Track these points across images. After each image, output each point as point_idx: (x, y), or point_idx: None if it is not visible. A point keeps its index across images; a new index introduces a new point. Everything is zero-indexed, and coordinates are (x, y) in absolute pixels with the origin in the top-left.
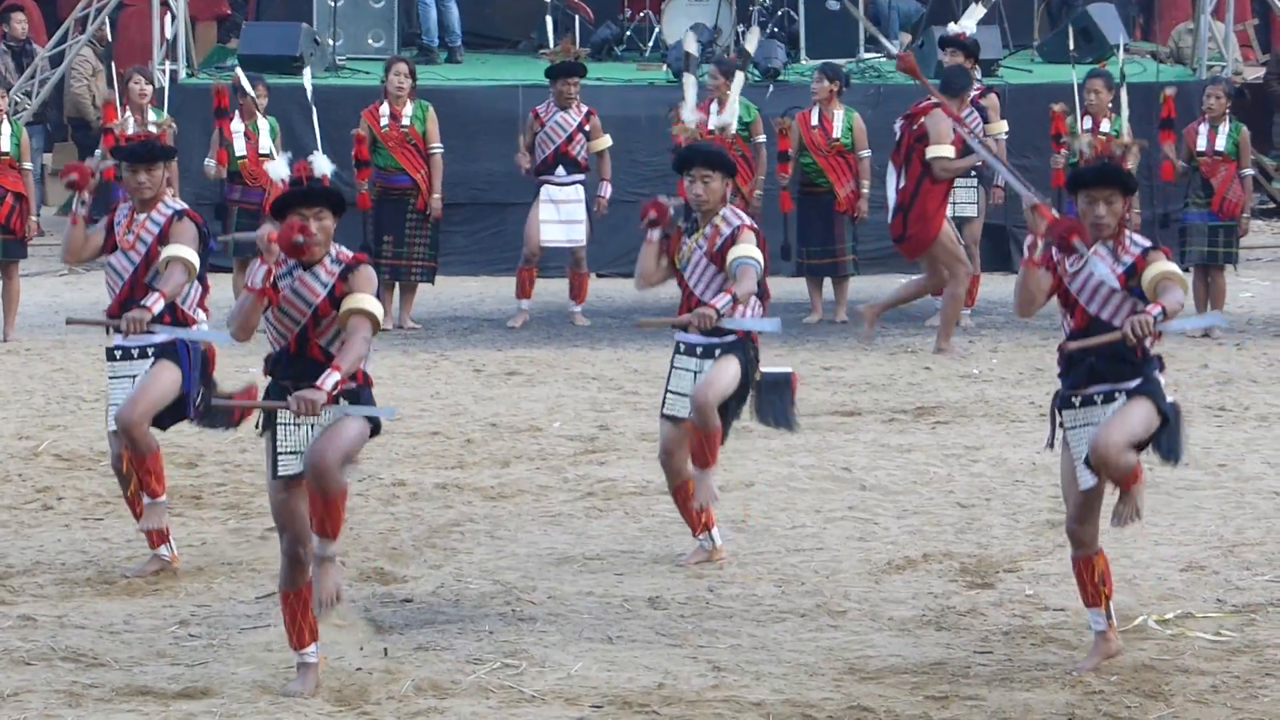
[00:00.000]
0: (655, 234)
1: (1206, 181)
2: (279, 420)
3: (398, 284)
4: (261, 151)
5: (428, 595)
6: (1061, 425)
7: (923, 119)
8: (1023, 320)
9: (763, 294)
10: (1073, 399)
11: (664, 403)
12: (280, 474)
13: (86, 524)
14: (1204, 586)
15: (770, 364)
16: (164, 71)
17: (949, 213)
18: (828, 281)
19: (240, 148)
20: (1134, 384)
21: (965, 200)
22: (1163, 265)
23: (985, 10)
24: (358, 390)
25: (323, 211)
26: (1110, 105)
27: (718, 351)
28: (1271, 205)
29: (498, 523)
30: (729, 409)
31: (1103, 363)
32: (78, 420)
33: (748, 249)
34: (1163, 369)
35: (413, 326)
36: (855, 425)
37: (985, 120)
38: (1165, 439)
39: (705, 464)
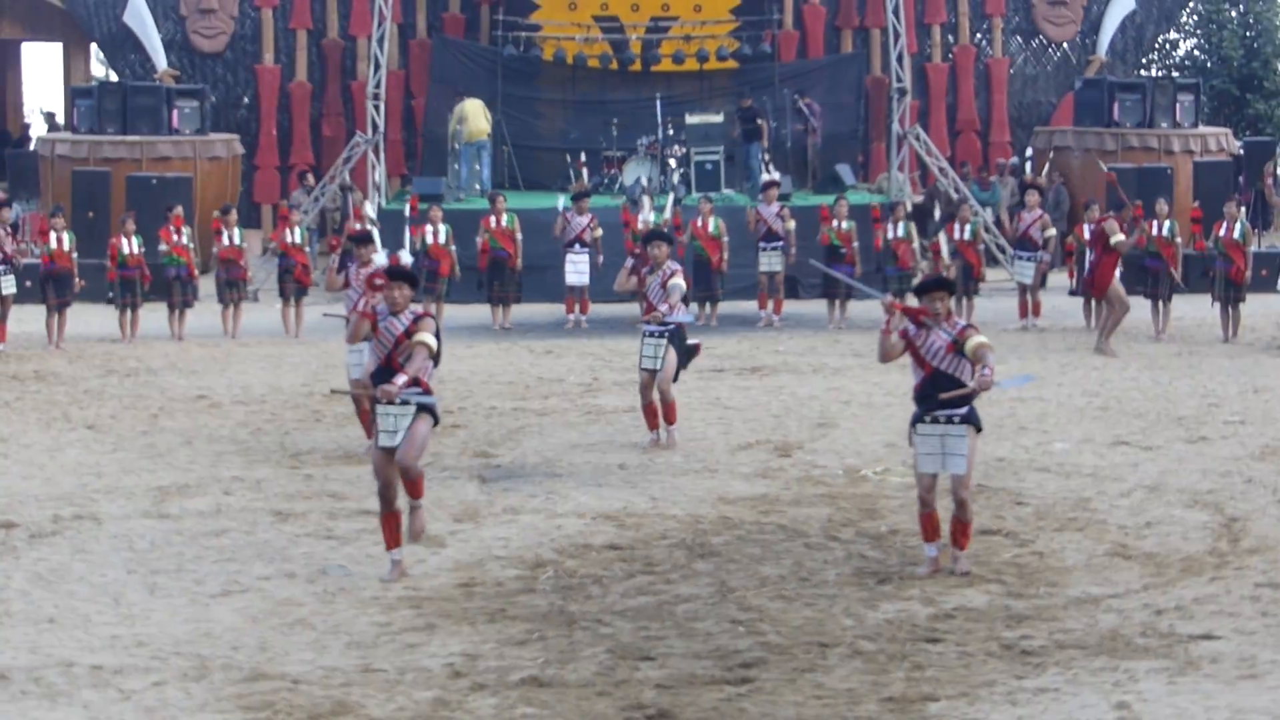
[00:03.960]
0: (629, 263)
1: (895, 255)
2: (379, 407)
3: (501, 306)
4: (440, 243)
5: (509, 463)
6: (917, 433)
7: (1103, 224)
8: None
9: (686, 301)
10: (925, 417)
11: (640, 361)
12: (380, 445)
13: None
14: (897, 454)
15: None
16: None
17: (765, 266)
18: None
19: (429, 239)
20: (964, 411)
21: (771, 258)
22: (977, 337)
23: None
24: (425, 395)
25: (403, 285)
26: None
27: (665, 336)
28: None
29: (543, 426)
30: (678, 370)
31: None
32: None
33: (678, 280)
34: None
35: (507, 327)
36: (720, 378)
37: (784, 221)
38: None
39: (670, 420)
